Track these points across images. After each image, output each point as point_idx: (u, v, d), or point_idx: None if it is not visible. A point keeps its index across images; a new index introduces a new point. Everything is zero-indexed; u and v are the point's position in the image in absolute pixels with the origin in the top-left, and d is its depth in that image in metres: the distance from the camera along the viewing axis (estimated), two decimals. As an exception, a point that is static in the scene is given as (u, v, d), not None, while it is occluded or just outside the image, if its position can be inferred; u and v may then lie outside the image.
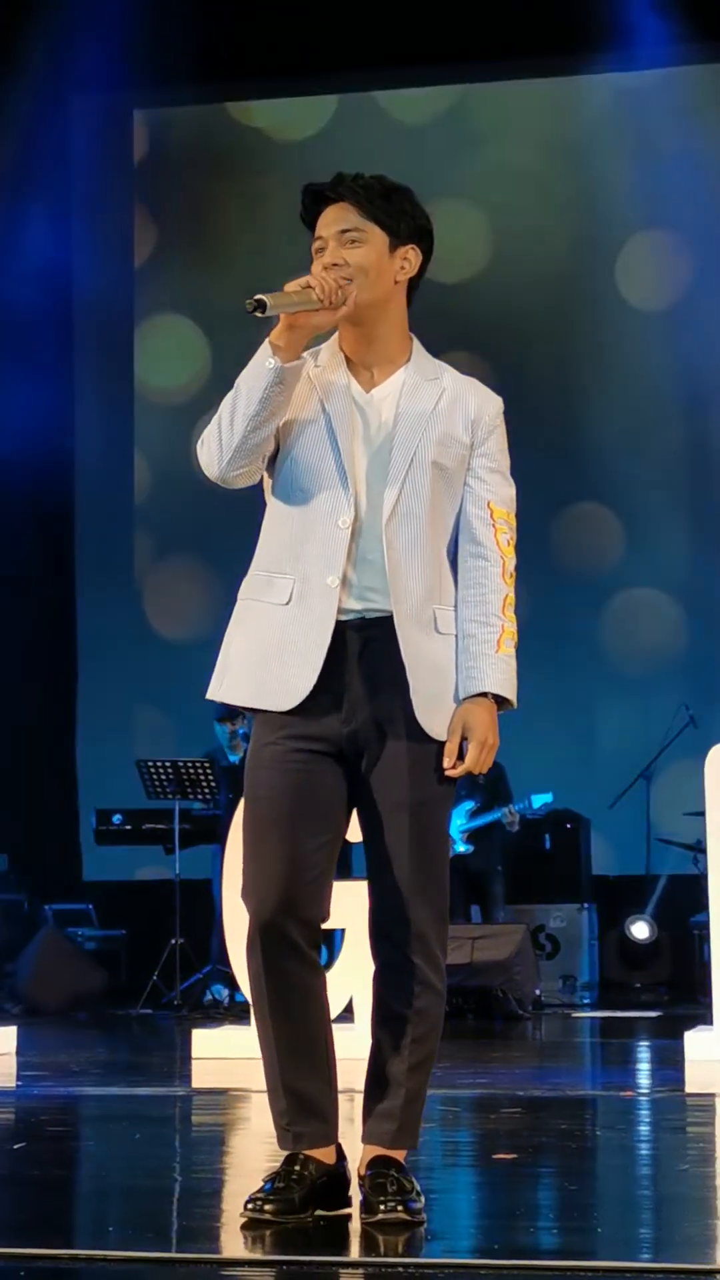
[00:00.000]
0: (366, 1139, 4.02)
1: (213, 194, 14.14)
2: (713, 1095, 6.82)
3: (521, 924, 11.44)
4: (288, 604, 3.99)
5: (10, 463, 13.19)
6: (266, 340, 3.95)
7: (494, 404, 4.13)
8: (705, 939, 9.52)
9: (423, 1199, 3.95)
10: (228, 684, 4.05)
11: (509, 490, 4.12)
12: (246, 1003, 8.47)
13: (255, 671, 4.01)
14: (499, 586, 4.06)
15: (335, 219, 4.03)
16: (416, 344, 4.14)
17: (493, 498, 4.08)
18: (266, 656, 3.99)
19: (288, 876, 3.92)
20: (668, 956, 12.47)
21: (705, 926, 8.84)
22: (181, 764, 11.61)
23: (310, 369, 4.05)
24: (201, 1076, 7.55)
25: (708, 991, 8.18)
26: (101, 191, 14.38)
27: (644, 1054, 9.01)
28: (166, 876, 11.72)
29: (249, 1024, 8.34)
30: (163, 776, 11.59)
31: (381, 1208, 3.88)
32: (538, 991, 11.40)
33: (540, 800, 11.67)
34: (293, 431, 4.03)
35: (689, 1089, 7.07)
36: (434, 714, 3.98)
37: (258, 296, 3.86)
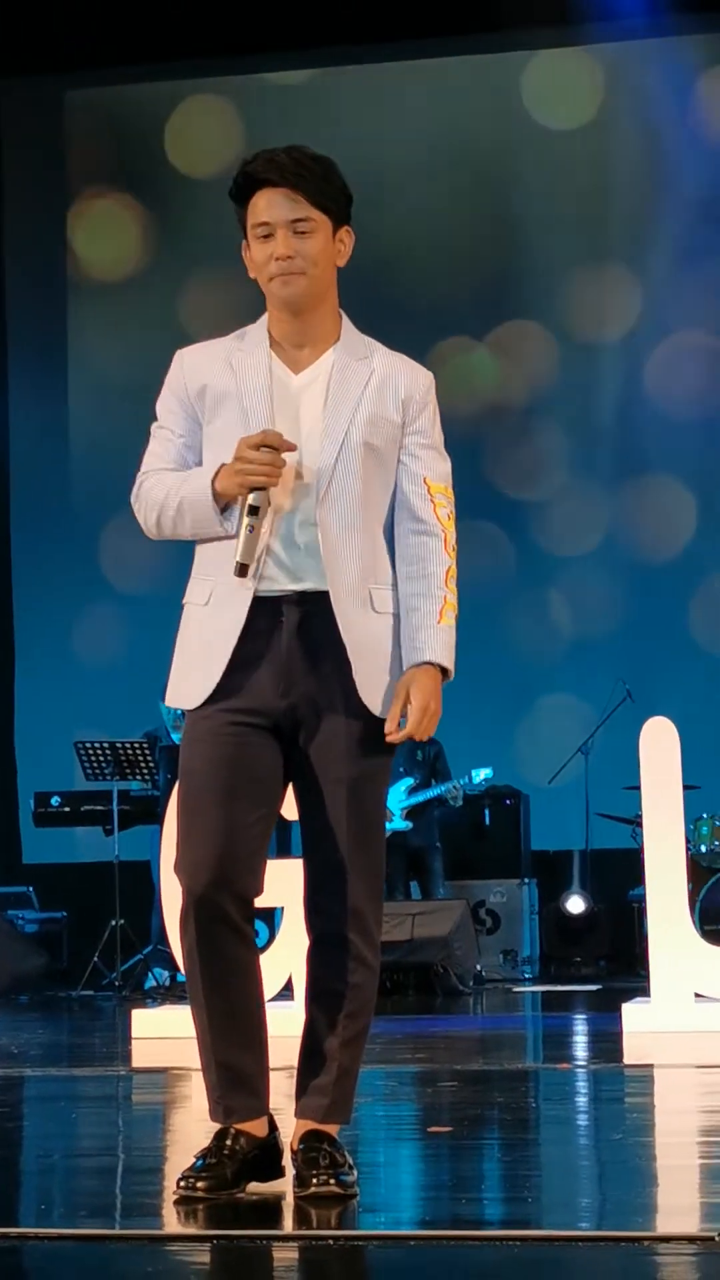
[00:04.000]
0: (300, 1114, 4.04)
1: (150, 173, 14.10)
2: (650, 1067, 6.86)
3: (461, 899, 11.49)
4: (206, 605, 4.04)
5: None
6: (214, 486, 3.96)
7: (424, 380, 4.13)
8: (643, 913, 9.59)
9: (355, 1172, 3.97)
10: (169, 686, 4.13)
11: (445, 465, 4.14)
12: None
13: (177, 673, 4.09)
14: (442, 559, 4.09)
15: (285, 207, 3.99)
16: (346, 322, 4.13)
17: (429, 473, 4.10)
18: (189, 658, 4.06)
19: (222, 850, 3.92)
20: (607, 930, 12.54)
21: (643, 900, 8.90)
22: (120, 745, 11.60)
23: (234, 358, 4.06)
24: (141, 1056, 7.56)
25: (646, 965, 8.24)
26: (34, 176, 14.35)
27: (583, 1027, 9.06)
28: (106, 858, 11.71)
29: (189, 1004, 8.35)
30: (101, 758, 11.59)
31: (314, 1181, 3.91)
32: (478, 967, 11.46)
33: (480, 774, 11.72)
34: (216, 437, 4.05)
35: (627, 1060, 7.12)
36: (374, 690, 4.01)
37: (239, 562, 3.91)
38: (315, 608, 3.99)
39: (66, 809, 12.09)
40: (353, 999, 4.01)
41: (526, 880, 12.47)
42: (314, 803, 4.03)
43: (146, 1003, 9.95)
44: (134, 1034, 8.19)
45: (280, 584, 3.99)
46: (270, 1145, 4.05)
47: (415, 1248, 3.53)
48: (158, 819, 10.41)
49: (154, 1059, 7.34)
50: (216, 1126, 4.02)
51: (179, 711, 11.91)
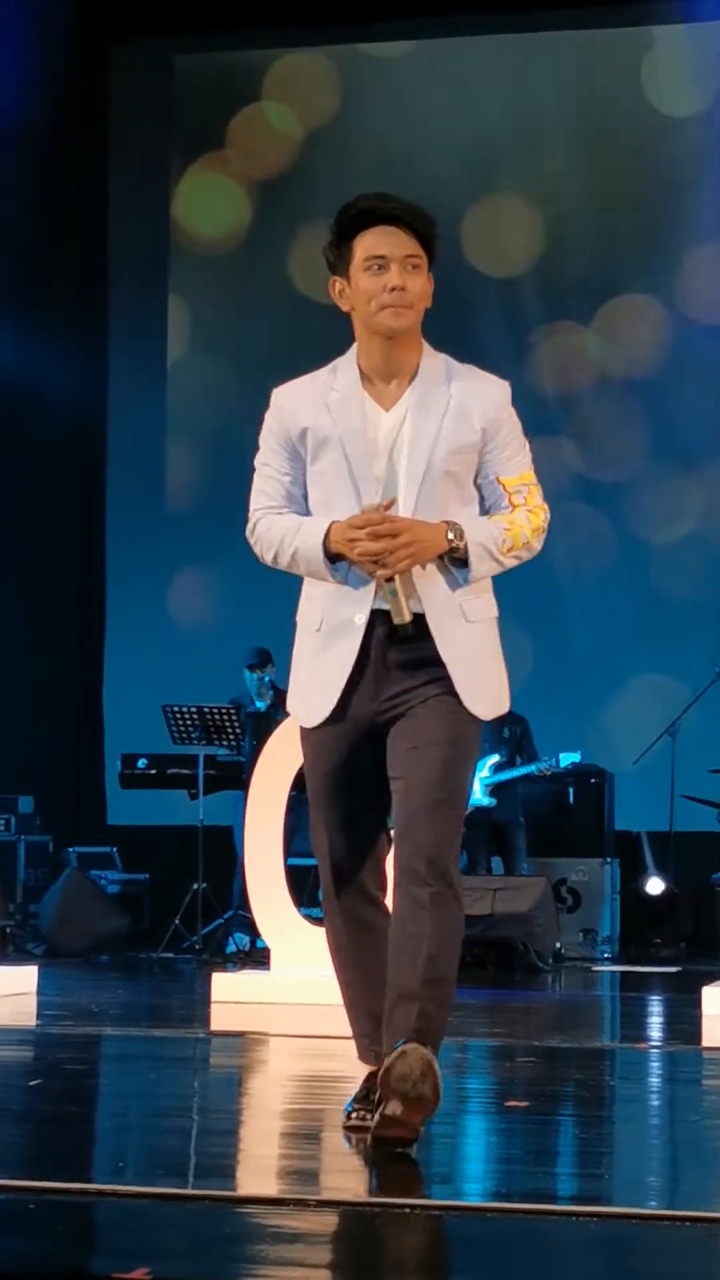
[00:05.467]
0: (376, 1060, 4.25)
1: (251, 139, 14.08)
2: (728, 1050, 6.84)
3: (543, 877, 11.46)
4: (319, 631, 4.36)
5: (42, 411, 13.28)
6: (329, 541, 4.23)
7: (500, 397, 4.37)
8: (726, 896, 9.56)
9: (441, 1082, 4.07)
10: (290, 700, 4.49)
11: (521, 457, 4.39)
12: (267, 949, 8.52)
13: (296, 687, 4.44)
14: (521, 521, 4.35)
15: (400, 243, 4.27)
16: (426, 348, 4.37)
17: (502, 471, 4.35)
18: (302, 676, 4.41)
19: (348, 845, 4.37)
20: (689, 913, 12.48)
21: (726, 883, 8.88)
22: (207, 710, 11.62)
23: (329, 398, 4.30)
24: (220, 1020, 7.60)
25: (727, 948, 8.20)
26: (140, 139, 14.37)
27: (661, 1008, 9.04)
28: (190, 821, 11.75)
29: (268, 969, 8.39)
30: (188, 722, 11.61)
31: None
32: (558, 944, 11.44)
33: (568, 759, 11.71)
34: (321, 477, 4.32)
35: (705, 1043, 7.09)
36: (473, 694, 4.27)
37: (398, 624, 4.23)
38: (412, 628, 4.25)
39: (152, 771, 12.14)
40: (432, 941, 4.14)
41: (609, 860, 12.43)
42: (404, 763, 4.25)
43: (227, 967, 9.99)
44: (213, 997, 8.22)
45: (377, 602, 4.28)
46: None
47: (490, 1219, 3.53)
48: (243, 785, 10.44)
49: (232, 1023, 7.36)
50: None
51: (269, 677, 11.90)
